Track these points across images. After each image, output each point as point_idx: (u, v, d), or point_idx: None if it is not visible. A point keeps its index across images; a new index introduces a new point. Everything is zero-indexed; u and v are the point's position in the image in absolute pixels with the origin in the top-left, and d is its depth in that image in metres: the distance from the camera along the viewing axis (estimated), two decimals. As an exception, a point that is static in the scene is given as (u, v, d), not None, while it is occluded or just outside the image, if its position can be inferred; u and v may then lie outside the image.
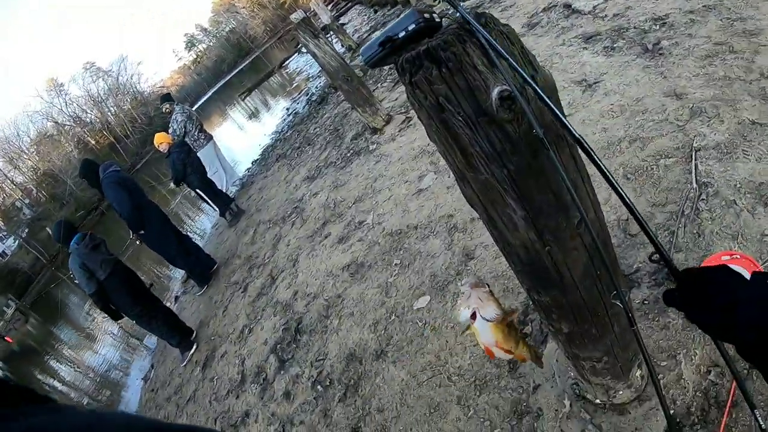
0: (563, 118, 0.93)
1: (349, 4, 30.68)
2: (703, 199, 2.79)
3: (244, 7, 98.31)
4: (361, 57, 1.07)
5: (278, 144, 12.07)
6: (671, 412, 1.84)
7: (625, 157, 3.36)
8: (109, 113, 69.13)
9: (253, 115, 24.27)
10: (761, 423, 1.15)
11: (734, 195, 2.71)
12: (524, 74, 0.90)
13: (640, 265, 2.65)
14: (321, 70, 7.56)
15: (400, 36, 0.94)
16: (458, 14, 0.91)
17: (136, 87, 77.11)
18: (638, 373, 2.07)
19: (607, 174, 0.89)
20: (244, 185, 11.04)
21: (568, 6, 5.80)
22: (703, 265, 2.15)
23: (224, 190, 9.51)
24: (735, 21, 3.96)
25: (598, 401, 2.18)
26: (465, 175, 1.20)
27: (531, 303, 2.73)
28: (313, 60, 6.97)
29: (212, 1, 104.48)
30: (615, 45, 4.59)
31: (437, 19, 0.95)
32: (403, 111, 7.16)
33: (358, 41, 15.91)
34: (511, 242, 1.35)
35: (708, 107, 3.31)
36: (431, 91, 0.97)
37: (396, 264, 4.08)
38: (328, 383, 3.57)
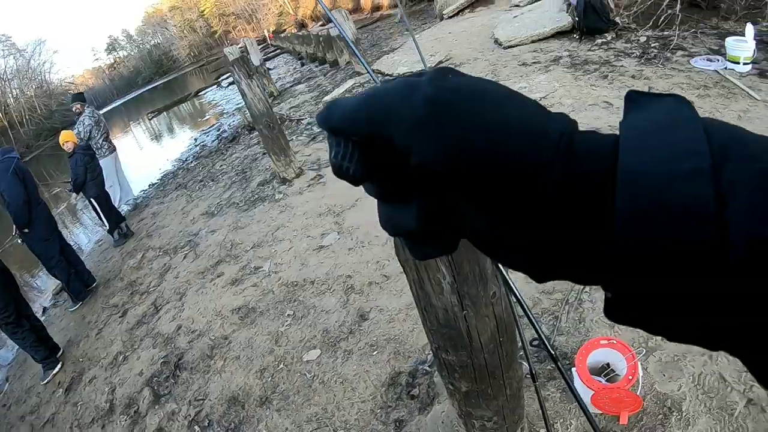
0: None
1: (278, 52, 31.04)
2: (586, 291, 3.19)
3: (175, 26, 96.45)
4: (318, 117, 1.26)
5: (180, 172, 11.84)
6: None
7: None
8: (9, 95, 64.22)
9: (159, 137, 23.63)
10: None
11: None
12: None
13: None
14: (237, 108, 7.66)
15: None
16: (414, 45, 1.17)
17: (45, 75, 71.90)
18: None
19: (499, 266, 1.13)
20: (137, 206, 10.70)
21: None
22: (581, 350, 2.52)
23: (117, 207, 9.21)
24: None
25: None
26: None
27: (420, 366, 2.96)
28: (232, 96, 7.11)
29: (145, 10, 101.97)
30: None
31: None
32: (315, 168, 7.36)
33: (281, 89, 16.13)
34: (434, 304, 1.54)
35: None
36: None
37: (289, 315, 4.17)
38: (206, 424, 3.55)
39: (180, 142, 17.81)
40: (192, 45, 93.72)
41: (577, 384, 2.55)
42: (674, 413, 2.59)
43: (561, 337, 2.96)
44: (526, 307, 1.18)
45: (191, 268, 6.15)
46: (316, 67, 18.07)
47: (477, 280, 1.44)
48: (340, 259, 4.62)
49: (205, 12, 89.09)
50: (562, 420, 2.56)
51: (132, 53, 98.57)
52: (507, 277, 1.08)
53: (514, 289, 1.14)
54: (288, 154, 7.18)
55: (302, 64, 21.13)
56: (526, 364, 1.44)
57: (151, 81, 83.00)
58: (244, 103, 7.21)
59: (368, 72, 1.01)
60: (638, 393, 2.55)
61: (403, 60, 11.20)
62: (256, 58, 16.36)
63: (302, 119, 10.45)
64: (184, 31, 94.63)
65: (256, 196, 7.39)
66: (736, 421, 2.52)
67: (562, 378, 2.73)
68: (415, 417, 2.75)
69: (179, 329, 4.92)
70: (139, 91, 74.05)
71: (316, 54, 18.87)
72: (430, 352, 2.97)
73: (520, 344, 1.85)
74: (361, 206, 5.48)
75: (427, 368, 3.01)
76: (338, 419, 2.98)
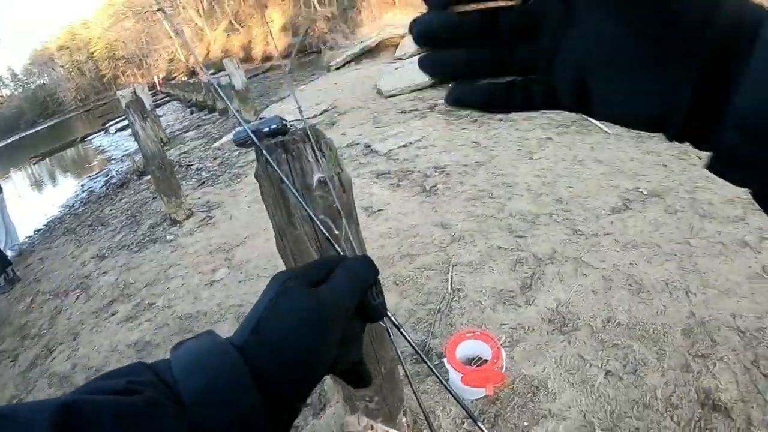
0: (353, 207, 1.49)
1: (168, 99, 30.59)
2: (455, 300, 3.59)
3: (63, 66, 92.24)
4: (233, 137, 1.51)
5: (67, 218, 11.42)
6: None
7: (396, 268, 4.05)
8: None
9: (43, 183, 22.50)
10: None
11: (480, 297, 3.58)
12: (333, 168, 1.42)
13: (405, 348, 3.23)
14: (126, 154, 7.63)
15: (264, 130, 1.42)
16: (303, 125, 1.46)
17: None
18: (404, 419, 2.56)
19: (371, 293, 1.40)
20: (22, 252, 10.23)
21: (368, 146, 6.66)
22: (449, 343, 2.85)
23: (2, 251, 8.75)
24: (497, 175, 5.06)
25: None
26: (285, 231, 1.67)
27: None
28: (120, 142, 7.10)
29: (34, 48, 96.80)
30: (400, 183, 5.44)
31: (288, 125, 1.49)
32: (204, 210, 7.46)
33: (170, 136, 16.01)
34: None
35: (466, 235, 4.23)
36: (277, 168, 1.45)
37: None
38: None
39: (66, 187, 17.09)
40: (79, 88, 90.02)
41: (451, 373, 2.89)
42: (541, 390, 2.97)
43: (435, 340, 3.33)
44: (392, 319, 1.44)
45: (84, 309, 6.00)
46: (206, 115, 18.08)
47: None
48: (231, 291, 4.76)
49: (95, 54, 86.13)
50: (441, 408, 2.88)
51: (16, 93, 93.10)
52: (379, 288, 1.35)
53: (387, 315, 1.41)
54: (179, 195, 7.23)
55: (191, 112, 21.05)
56: (397, 355, 1.69)
57: (35, 124, 78.75)
58: (137, 145, 7.20)
59: (240, 122, 1.25)
60: (502, 372, 2.90)
61: (290, 108, 11.56)
62: (146, 102, 16.18)
63: (191, 165, 10.53)
64: (72, 73, 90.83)
65: (148, 237, 7.34)
66: (597, 390, 2.96)
67: (430, 368, 3.07)
68: (309, 422, 2.95)
69: (75, 367, 4.81)
70: (22, 134, 70.08)
71: (205, 102, 18.88)
72: None
73: (393, 353, 2.14)
74: (250, 244, 5.67)
75: None
76: None
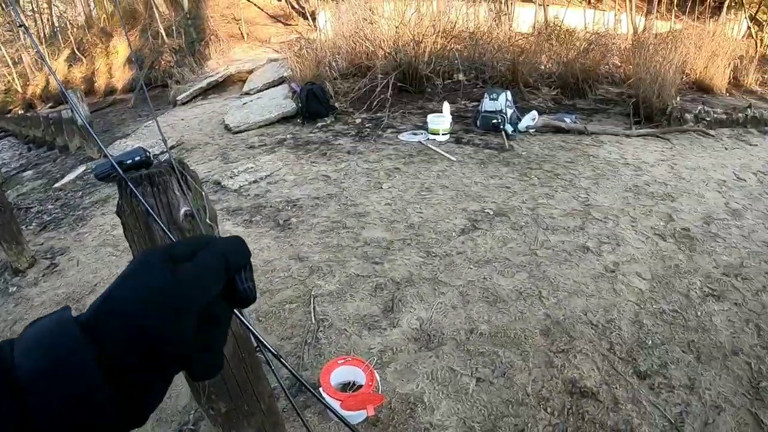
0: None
1: (2, 134, 27.59)
2: (321, 331, 3.50)
3: None
4: (94, 171, 1.40)
5: None
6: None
7: (258, 304, 3.89)
8: None
9: None
10: None
11: (345, 325, 3.53)
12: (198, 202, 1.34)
13: (275, 384, 3.07)
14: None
15: (128, 162, 1.34)
16: (167, 156, 1.41)
17: None
18: None
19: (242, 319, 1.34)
20: None
21: (218, 183, 6.46)
22: (322, 372, 2.76)
23: None
24: (349, 206, 5.09)
25: None
26: None
27: (184, 428, 2.93)
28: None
29: None
30: (253, 219, 5.30)
31: (152, 157, 1.41)
32: (48, 257, 6.77)
33: (6, 176, 14.48)
34: None
35: (324, 266, 4.16)
36: (144, 201, 1.35)
37: None
38: None
39: None
40: None
41: (328, 402, 2.77)
42: (419, 406, 2.95)
43: (306, 372, 3.21)
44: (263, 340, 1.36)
45: None
46: (45, 152, 16.61)
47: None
48: None
49: None
50: None
51: None
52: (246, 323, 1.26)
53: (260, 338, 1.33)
54: (20, 241, 6.47)
55: (29, 149, 19.15)
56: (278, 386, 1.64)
57: None
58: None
59: (105, 153, 1.17)
60: (379, 393, 2.87)
61: (135, 144, 10.98)
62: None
63: (31, 207, 9.61)
64: None
65: (-12, 290, 6.51)
66: (471, 397, 3.00)
67: (313, 397, 2.94)
68: None
69: None
70: None
71: (44, 138, 17.27)
72: (191, 414, 2.99)
73: (275, 384, 2.03)
74: (101, 291, 5.15)
75: (191, 427, 2.99)
76: None
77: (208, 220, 1.53)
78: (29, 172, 14.26)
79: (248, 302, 0.59)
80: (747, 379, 3.25)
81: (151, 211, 1.30)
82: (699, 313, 3.72)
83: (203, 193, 1.55)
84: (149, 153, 1.39)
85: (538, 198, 5.27)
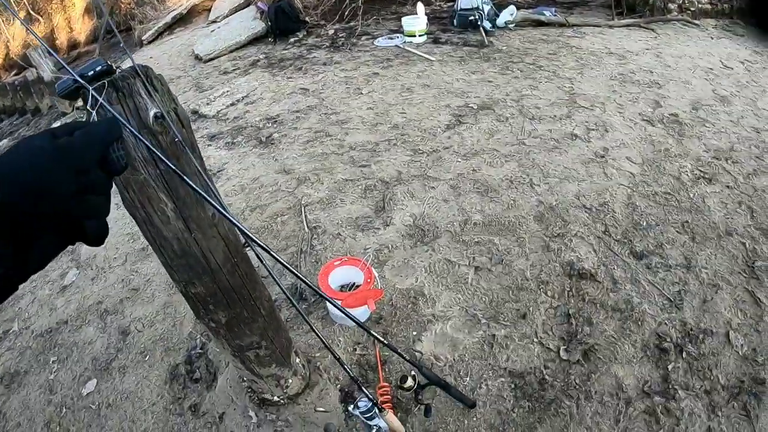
0: (195, 142, 1.31)
1: None
2: (315, 238, 3.46)
3: None
4: (57, 90, 1.31)
5: None
6: (350, 374, 2.19)
7: (249, 222, 3.81)
8: None
9: None
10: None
11: (338, 229, 3.49)
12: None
13: (278, 295, 3.04)
14: None
15: (90, 74, 1.25)
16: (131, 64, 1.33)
17: None
18: (297, 360, 2.42)
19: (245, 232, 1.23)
20: None
21: (195, 112, 6.27)
22: (320, 275, 2.72)
23: None
24: (330, 115, 4.96)
25: (276, 398, 2.43)
26: (128, 181, 1.45)
27: (193, 352, 2.92)
28: None
29: None
30: (235, 141, 5.16)
31: (114, 66, 1.31)
32: None
33: None
34: (166, 236, 1.58)
35: (311, 175, 4.08)
36: (110, 109, 1.25)
37: (54, 360, 3.75)
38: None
39: None
40: None
41: (329, 305, 2.82)
42: (420, 299, 2.94)
43: (310, 280, 3.13)
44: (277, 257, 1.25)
45: None
46: (17, 120, 16.11)
47: (194, 203, 1.54)
48: (87, 291, 4.25)
49: None
50: (331, 341, 2.78)
51: None
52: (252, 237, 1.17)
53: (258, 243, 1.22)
54: None
55: (0, 120, 18.69)
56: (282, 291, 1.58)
57: None
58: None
59: (64, 66, 1.05)
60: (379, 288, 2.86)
61: None
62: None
63: None
64: None
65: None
66: (471, 286, 3.01)
67: (314, 304, 2.95)
68: (205, 396, 2.74)
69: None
70: None
71: (14, 105, 16.71)
72: (198, 337, 3.00)
73: (278, 292, 1.96)
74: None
75: (200, 351, 3.00)
76: (138, 431, 2.81)
77: (180, 120, 1.44)
78: (4, 141, 13.81)
79: (120, 169, 0.66)
80: (742, 259, 3.26)
81: (119, 117, 1.19)
82: (692, 195, 3.70)
83: (172, 94, 1.46)
84: (111, 63, 1.30)
85: (522, 90, 5.16)
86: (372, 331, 1.54)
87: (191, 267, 1.67)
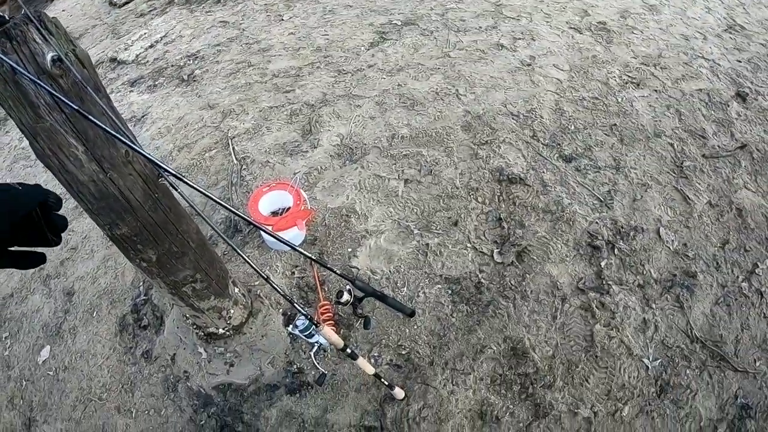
0: (99, 81, 1.20)
1: None
2: (244, 168, 3.40)
3: None
4: None
5: None
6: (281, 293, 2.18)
7: (178, 162, 3.71)
8: None
9: None
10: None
11: (267, 157, 3.42)
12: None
13: (211, 233, 2.99)
14: None
15: None
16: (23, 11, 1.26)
17: None
18: (236, 290, 2.40)
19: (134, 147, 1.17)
20: None
21: (113, 59, 5.99)
22: (248, 203, 2.67)
23: None
24: (252, 44, 4.79)
25: (221, 331, 2.42)
26: (36, 130, 1.38)
27: (138, 300, 2.87)
28: None
29: None
30: (156, 83, 4.95)
31: (6, 16, 1.23)
32: None
33: None
34: (80, 179, 1.52)
35: (235, 107, 3.97)
36: (5, 59, 1.17)
37: (6, 336, 3.65)
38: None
39: None
40: None
41: (262, 232, 2.78)
42: (352, 216, 2.93)
43: (242, 211, 3.10)
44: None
45: None
46: None
47: (105, 143, 1.48)
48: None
49: None
50: (269, 267, 2.78)
51: None
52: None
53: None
54: None
55: None
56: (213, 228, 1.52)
57: None
58: None
59: None
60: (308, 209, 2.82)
61: None
62: None
63: None
64: None
65: None
66: (402, 198, 3.01)
67: (250, 233, 2.92)
68: (155, 341, 2.75)
69: None
70: None
71: None
72: (141, 285, 2.96)
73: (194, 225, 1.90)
74: None
75: (144, 297, 3.00)
76: (96, 388, 2.79)
77: (80, 61, 1.36)
78: None
79: (47, 242, 0.84)
80: (671, 159, 3.33)
81: (15, 66, 1.14)
82: (619, 100, 3.74)
83: (69, 37, 1.39)
84: (2, 14, 1.23)
85: (447, 3, 5.05)
86: (300, 249, 1.51)
87: (112, 208, 1.63)
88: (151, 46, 5.83)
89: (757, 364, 2.49)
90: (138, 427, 2.55)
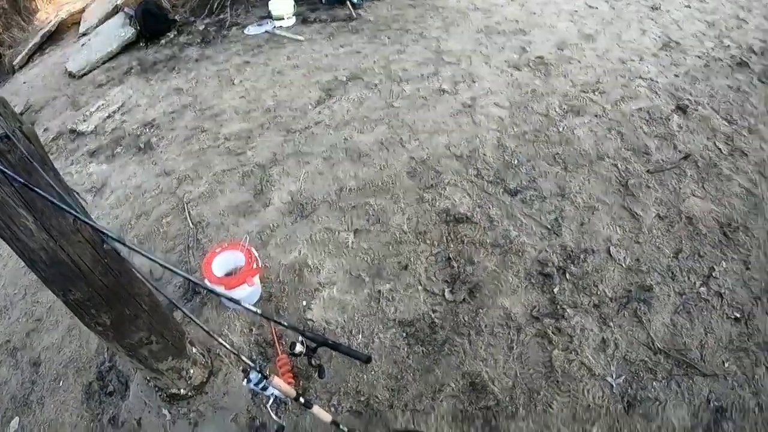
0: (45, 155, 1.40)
1: None
2: (200, 232, 3.46)
3: None
4: None
5: None
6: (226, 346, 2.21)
7: (137, 230, 3.76)
8: None
9: None
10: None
11: (221, 219, 3.51)
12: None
13: (171, 294, 3.01)
14: None
15: None
16: None
17: None
18: (194, 350, 2.46)
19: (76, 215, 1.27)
20: None
21: (73, 131, 6.06)
22: (203, 265, 2.73)
23: None
24: (205, 110, 4.90)
25: (183, 391, 2.46)
26: None
27: (102, 366, 2.91)
28: None
29: None
30: (115, 152, 5.02)
31: None
32: None
33: None
34: (33, 248, 1.59)
35: (190, 173, 4.05)
36: None
37: None
38: None
39: None
40: None
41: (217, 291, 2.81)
42: (305, 270, 3.01)
43: (196, 273, 3.19)
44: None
45: None
46: None
47: (53, 212, 1.55)
48: None
49: None
50: (227, 326, 2.83)
51: None
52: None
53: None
54: None
55: None
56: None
57: None
58: None
59: None
60: (261, 265, 2.88)
61: None
62: None
63: None
64: None
65: None
66: (352, 249, 3.10)
67: (208, 294, 2.97)
68: (121, 406, 2.74)
69: None
70: None
71: None
72: (105, 352, 2.96)
73: (171, 291, 1.96)
74: None
75: (109, 364, 3.01)
76: None
77: (26, 137, 1.47)
78: None
79: None
80: (616, 180, 3.47)
81: None
82: (561, 129, 3.88)
83: (16, 115, 1.50)
84: None
85: (390, 56, 5.24)
86: (246, 305, 1.56)
87: (64, 274, 1.69)
88: (109, 117, 5.93)
89: (726, 365, 2.58)
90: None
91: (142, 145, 4.84)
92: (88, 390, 2.89)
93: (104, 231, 1.33)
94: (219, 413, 2.48)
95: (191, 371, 2.42)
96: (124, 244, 1.33)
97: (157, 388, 2.50)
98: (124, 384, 2.83)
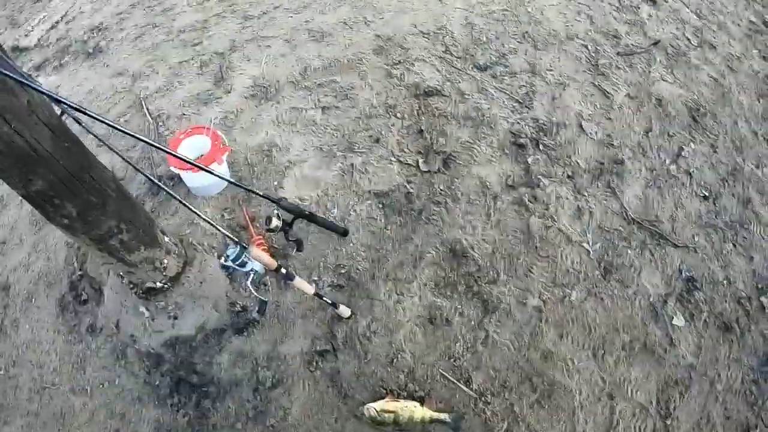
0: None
1: None
2: (161, 125, 3.33)
3: None
4: None
5: None
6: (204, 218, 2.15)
7: (95, 131, 3.58)
8: None
9: None
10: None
11: (181, 110, 3.37)
12: None
13: (138, 190, 2.92)
14: None
15: None
16: None
17: None
18: (167, 239, 2.33)
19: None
20: None
21: (15, 48, 5.75)
22: (168, 147, 2.61)
23: None
24: (155, 6, 4.67)
25: (159, 284, 2.35)
26: None
27: (73, 276, 2.79)
28: None
29: None
30: (62, 62, 4.77)
31: None
32: None
33: None
34: None
35: (145, 69, 3.87)
36: None
37: None
38: None
39: None
40: None
41: (185, 177, 2.74)
42: (273, 150, 2.94)
43: (159, 167, 3.11)
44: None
45: None
46: None
47: (3, 92, 1.39)
48: None
49: None
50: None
51: None
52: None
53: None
54: None
55: None
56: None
57: None
58: None
59: None
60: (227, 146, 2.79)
61: None
62: None
63: None
64: None
65: None
66: (322, 125, 3.03)
67: (171, 180, 2.85)
68: (97, 312, 2.69)
69: None
70: None
71: None
72: (74, 262, 2.86)
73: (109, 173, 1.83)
74: None
75: (80, 273, 2.92)
76: (48, 374, 2.75)
77: None
78: None
79: None
80: (586, 59, 3.40)
81: None
82: (529, 10, 3.76)
83: None
84: None
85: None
86: (217, 173, 1.47)
87: (22, 162, 1.54)
88: (52, 27, 5.60)
89: (696, 239, 2.63)
90: (95, 403, 2.52)
91: (90, 50, 4.60)
92: (61, 303, 2.83)
93: (62, 100, 1.18)
94: (198, 302, 2.43)
95: (165, 261, 2.30)
96: (84, 112, 1.18)
97: (132, 285, 2.39)
98: (97, 290, 2.76)
